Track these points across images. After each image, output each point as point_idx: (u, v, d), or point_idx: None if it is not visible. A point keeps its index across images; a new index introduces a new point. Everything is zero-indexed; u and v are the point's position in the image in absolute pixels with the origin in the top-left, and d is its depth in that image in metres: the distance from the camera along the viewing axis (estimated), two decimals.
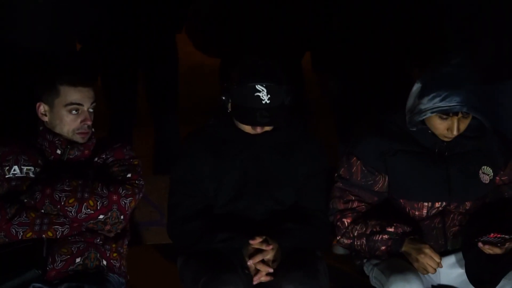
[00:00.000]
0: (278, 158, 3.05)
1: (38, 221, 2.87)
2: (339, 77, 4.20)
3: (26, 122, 3.21)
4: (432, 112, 2.91)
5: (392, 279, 2.85)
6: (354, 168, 3.05)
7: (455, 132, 2.95)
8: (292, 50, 4.12)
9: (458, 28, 3.86)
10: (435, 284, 3.03)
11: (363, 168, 3.04)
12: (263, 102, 2.91)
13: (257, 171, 3.03)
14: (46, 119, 3.01)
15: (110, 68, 4.31)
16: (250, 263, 2.88)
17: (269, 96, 2.91)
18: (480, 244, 2.87)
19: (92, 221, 2.91)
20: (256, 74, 2.94)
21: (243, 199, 3.02)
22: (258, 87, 2.91)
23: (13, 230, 2.86)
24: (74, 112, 2.97)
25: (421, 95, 2.94)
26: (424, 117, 2.94)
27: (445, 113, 2.92)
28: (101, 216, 2.90)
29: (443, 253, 2.99)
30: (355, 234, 3.00)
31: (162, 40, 4.29)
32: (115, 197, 2.92)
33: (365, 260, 3.09)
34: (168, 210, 3.12)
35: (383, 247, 2.95)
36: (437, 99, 2.90)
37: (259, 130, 2.99)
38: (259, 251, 2.90)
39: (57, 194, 2.87)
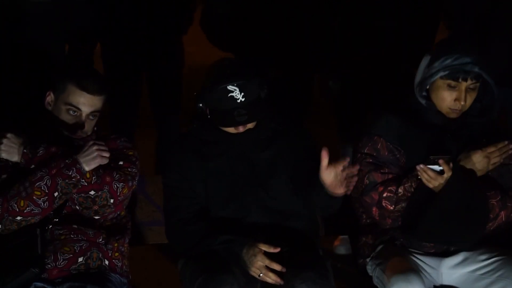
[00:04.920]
0: (263, 152, 3.05)
1: (21, 188, 2.83)
2: (339, 76, 4.21)
3: (28, 119, 3.22)
4: (444, 71, 2.93)
5: (393, 280, 2.85)
6: (379, 145, 3.04)
7: (462, 102, 2.97)
8: (307, 49, 4.15)
9: (469, 30, 3.88)
10: (437, 284, 3.04)
11: (388, 144, 3.03)
12: (238, 101, 2.92)
13: (244, 168, 3.03)
14: (49, 108, 3.01)
15: (115, 69, 4.32)
16: (264, 263, 2.83)
17: (242, 93, 2.92)
18: (419, 167, 2.88)
19: (83, 194, 2.90)
20: (225, 75, 2.94)
21: (236, 198, 3.02)
22: (230, 87, 2.92)
23: (10, 207, 2.82)
24: (71, 112, 2.97)
25: (431, 63, 2.98)
26: (435, 77, 2.95)
27: (456, 77, 2.93)
28: (92, 192, 2.90)
29: (445, 254, 3.00)
30: (412, 190, 2.97)
31: (167, 41, 4.30)
32: (108, 179, 2.92)
33: (368, 259, 3.09)
34: (165, 214, 3.11)
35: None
36: (449, 60, 2.93)
37: (241, 129, 2.99)
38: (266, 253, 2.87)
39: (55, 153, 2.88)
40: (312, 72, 4.31)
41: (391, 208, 2.98)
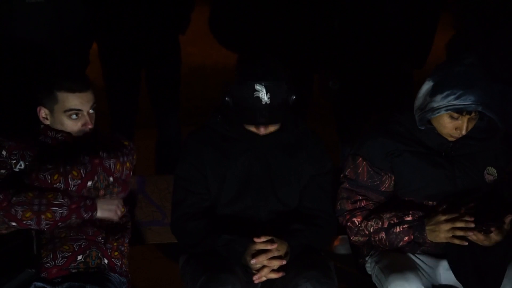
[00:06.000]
0: (282, 158, 3.04)
1: (36, 201, 2.83)
2: (339, 77, 4.21)
3: (27, 121, 3.21)
4: (446, 110, 2.90)
5: (391, 278, 2.86)
6: (360, 169, 3.05)
7: (463, 132, 2.95)
8: (307, 49, 4.15)
9: (481, 25, 3.89)
10: (436, 284, 3.03)
11: (369, 169, 3.04)
12: (263, 102, 2.90)
13: (261, 170, 3.02)
14: (47, 122, 3.01)
15: (113, 69, 4.33)
16: (253, 261, 2.84)
17: (268, 95, 2.89)
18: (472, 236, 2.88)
19: (84, 190, 2.90)
20: (255, 73, 2.92)
21: (246, 198, 3.01)
22: (257, 86, 2.89)
23: (13, 210, 2.81)
24: (74, 117, 2.97)
25: (434, 93, 2.93)
26: (437, 115, 2.93)
27: (459, 112, 2.92)
28: (89, 183, 2.90)
29: (443, 255, 2.99)
30: (371, 230, 2.99)
31: (165, 41, 4.30)
32: (97, 161, 2.93)
33: (367, 258, 3.10)
34: (172, 207, 3.10)
35: (405, 238, 2.95)
36: (452, 97, 2.89)
37: (262, 130, 2.98)
38: (262, 251, 2.87)
39: (41, 174, 2.87)
40: (312, 72, 4.32)
41: (351, 237, 3.07)
